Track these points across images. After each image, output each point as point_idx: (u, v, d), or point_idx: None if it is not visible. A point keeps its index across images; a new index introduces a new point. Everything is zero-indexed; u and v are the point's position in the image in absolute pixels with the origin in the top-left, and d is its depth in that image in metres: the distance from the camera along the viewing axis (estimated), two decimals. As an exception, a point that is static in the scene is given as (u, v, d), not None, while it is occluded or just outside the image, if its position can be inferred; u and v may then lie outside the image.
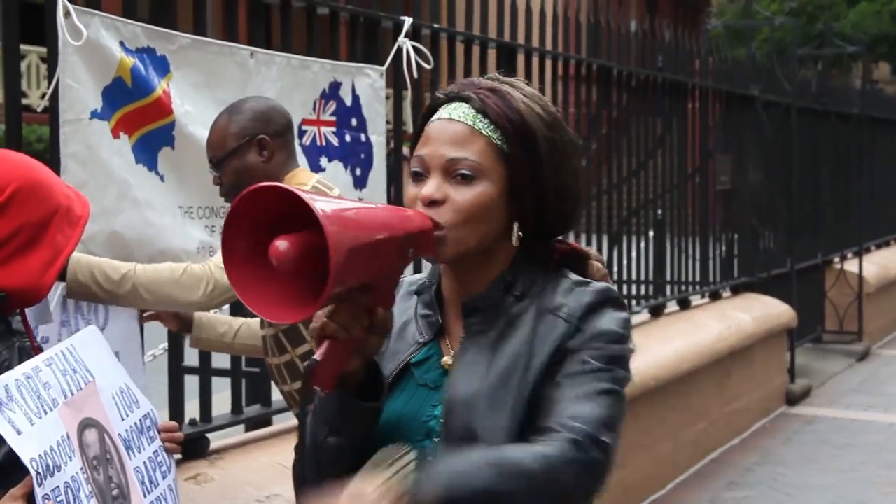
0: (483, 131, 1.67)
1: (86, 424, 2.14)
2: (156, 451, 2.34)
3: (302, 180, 3.11)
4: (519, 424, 1.62)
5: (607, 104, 6.80)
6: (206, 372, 3.75)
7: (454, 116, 1.68)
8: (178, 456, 3.49)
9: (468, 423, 1.62)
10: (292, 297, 1.52)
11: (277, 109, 3.18)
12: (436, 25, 4.90)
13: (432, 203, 1.65)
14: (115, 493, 2.13)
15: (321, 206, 1.45)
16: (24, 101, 3.33)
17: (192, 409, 3.69)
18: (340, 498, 1.51)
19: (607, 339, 1.66)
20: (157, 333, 3.86)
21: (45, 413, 2.04)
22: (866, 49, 16.30)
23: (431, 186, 1.66)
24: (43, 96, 3.25)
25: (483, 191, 1.65)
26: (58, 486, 1.99)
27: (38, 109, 3.45)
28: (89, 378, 2.21)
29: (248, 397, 4.19)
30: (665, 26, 7.56)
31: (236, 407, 3.92)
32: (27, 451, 1.96)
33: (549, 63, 5.98)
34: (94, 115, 3.16)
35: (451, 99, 1.71)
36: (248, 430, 4.11)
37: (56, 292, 3.05)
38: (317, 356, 1.56)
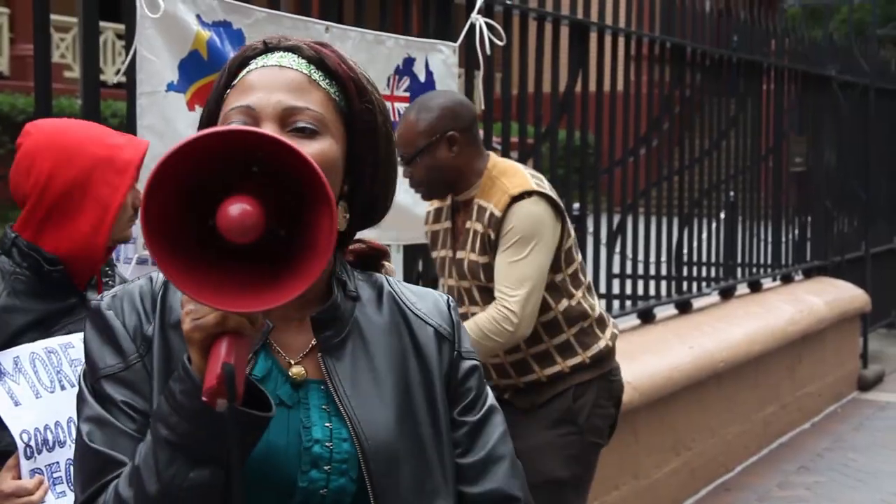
0: (321, 83, 1.42)
1: None
2: None
3: (515, 175, 3.33)
4: (447, 451, 1.48)
5: (680, 83, 6.73)
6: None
7: (285, 63, 1.42)
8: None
9: (392, 452, 1.41)
10: (225, 277, 1.24)
11: (464, 104, 3.41)
12: (508, 2, 4.88)
13: None
14: None
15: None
16: (100, 78, 3.37)
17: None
18: None
19: (478, 366, 1.55)
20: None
21: (63, 389, 2.06)
22: (947, 30, 15.94)
23: None
24: (118, 72, 3.29)
25: (326, 148, 1.39)
26: (57, 462, 2.00)
27: (112, 83, 3.50)
28: None
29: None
30: (740, 5, 7.45)
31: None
32: (20, 422, 1.99)
33: (621, 41, 5.93)
34: (170, 87, 3.20)
35: (270, 49, 1.44)
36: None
37: (128, 271, 3.09)
38: (226, 359, 1.23)
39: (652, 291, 6.49)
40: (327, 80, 1.44)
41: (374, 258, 1.59)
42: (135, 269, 3.10)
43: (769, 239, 8.00)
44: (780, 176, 8.25)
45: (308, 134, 1.39)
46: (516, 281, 3.25)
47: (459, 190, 3.39)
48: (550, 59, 5.29)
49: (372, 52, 3.95)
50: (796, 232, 8.45)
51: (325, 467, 1.39)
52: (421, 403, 1.46)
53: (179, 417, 1.28)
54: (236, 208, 1.19)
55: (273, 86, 1.40)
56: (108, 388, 1.39)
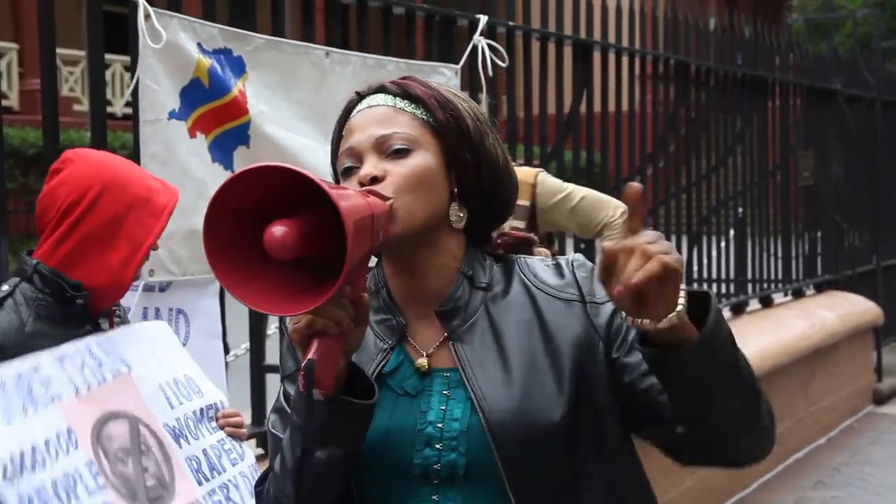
0: (406, 109, 1.66)
1: (110, 417, 2.12)
2: (222, 439, 2.35)
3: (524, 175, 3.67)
4: (570, 416, 1.58)
5: (685, 101, 6.73)
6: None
7: (373, 104, 1.67)
8: (260, 451, 3.53)
9: (516, 424, 1.56)
10: (286, 288, 1.42)
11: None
12: (511, 23, 4.90)
13: (373, 181, 1.58)
14: (150, 483, 2.12)
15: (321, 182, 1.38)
16: (109, 110, 3.40)
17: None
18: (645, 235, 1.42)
19: None
20: (239, 334, 3.91)
21: (35, 410, 2.00)
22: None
23: (368, 166, 1.60)
24: (127, 104, 3.32)
25: (422, 160, 1.62)
26: (43, 485, 1.93)
27: (120, 115, 3.54)
28: (122, 370, 2.20)
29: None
30: (744, 21, 7.46)
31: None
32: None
33: (625, 59, 5.94)
34: (172, 115, 3.21)
35: (363, 97, 1.70)
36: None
37: (134, 299, 3.09)
38: (312, 356, 1.45)
39: (662, 309, 6.46)
40: (413, 105, 1.66)
41: (522, 247, 1.76)
42: (141, 296, 3.11)
43: (779, 254, 7.98)
44: (789, 191, 8.24)
45: (403, 153, 1.62)
46: (599, 206, 3.63)
47: None
48: (554, 80, 5.30)
49: (373, 76, 3.96)
50: (806, 246, 8.43)
51: (437, 445, 1.60)
52: (546, 369, 1.60)
53: (300, 406, 1.52)
54: (277, 230, 1.37)
55: (366, 124, 1.64)
56: (288, 386, 1.69)
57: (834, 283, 8.54)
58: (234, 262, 1.41)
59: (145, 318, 3.17)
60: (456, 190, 1.65)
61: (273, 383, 3.81)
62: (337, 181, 1.68)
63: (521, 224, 3.49)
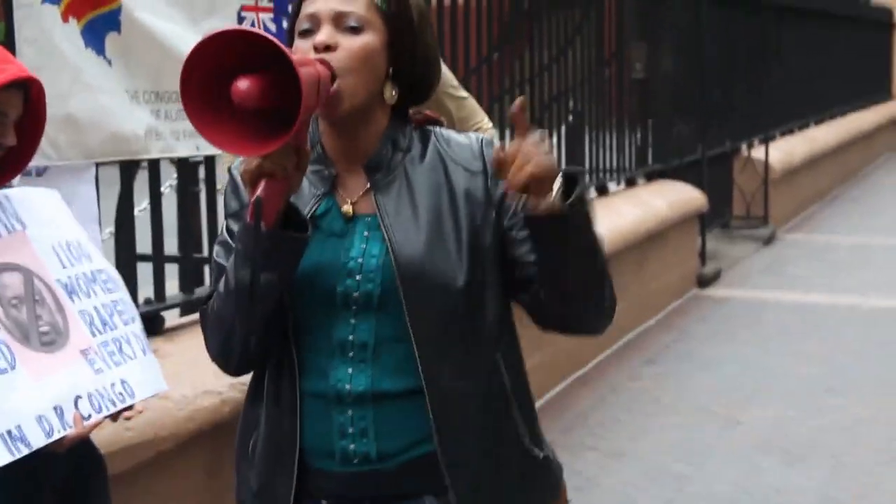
0: None
1: (4, 268, 2.22)
2: (116, 300, 2.41)
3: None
4: (468, 271, 1.90)
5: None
6: (158, 258, 3.83)
7: None
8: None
9: (420, 264, 1.88)
10: (248, 134, 1.72)
11: None
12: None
13: (326, 49, 1.85)
14: (44, 328, 2.22)
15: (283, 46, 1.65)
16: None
17: (145, 292, 3.79)
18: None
19: None
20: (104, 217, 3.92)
21: None
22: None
23: (324, 34, 1.87)
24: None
25: (369, 40, 1.88)
26: None
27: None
28: (17, 227, 2.30)
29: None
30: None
31: (187, 288, 4.02)
32: None
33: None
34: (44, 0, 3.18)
35: None
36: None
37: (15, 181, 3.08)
38: (259, 194, 1.77)
39: (507, 197, 6.69)
40: None
41: (434, 125, 2.05)
42: (17, 181, 3.09)
43: (614, 145, 8.29)
44: (623, 84, 8.53)
45: (355, 31, 1.89)
46: (477, 110, 3.86)
47: None
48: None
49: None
50: (638, 137, 8.76)
51: (357, 277, 1.92)
52: (448, 224, 1.92)
53: (246, 238, 1.84)
54: (242, 83, 1.66)
55: None
56: (231, 222, 2.01)
57: (663, 173, 8.93)
58: (206, 114, 1.71)
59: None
60: (391, 70, 1.92)
61: (143, 271, 3.87)
62: (291, 41, 1.94)
63: None
